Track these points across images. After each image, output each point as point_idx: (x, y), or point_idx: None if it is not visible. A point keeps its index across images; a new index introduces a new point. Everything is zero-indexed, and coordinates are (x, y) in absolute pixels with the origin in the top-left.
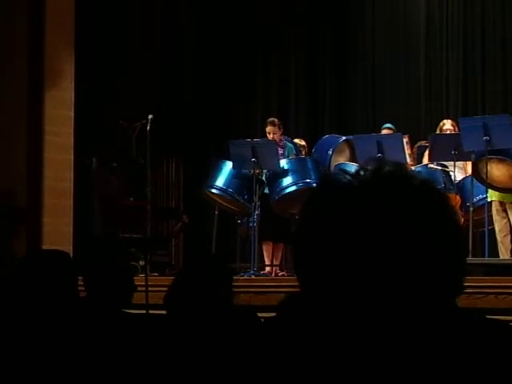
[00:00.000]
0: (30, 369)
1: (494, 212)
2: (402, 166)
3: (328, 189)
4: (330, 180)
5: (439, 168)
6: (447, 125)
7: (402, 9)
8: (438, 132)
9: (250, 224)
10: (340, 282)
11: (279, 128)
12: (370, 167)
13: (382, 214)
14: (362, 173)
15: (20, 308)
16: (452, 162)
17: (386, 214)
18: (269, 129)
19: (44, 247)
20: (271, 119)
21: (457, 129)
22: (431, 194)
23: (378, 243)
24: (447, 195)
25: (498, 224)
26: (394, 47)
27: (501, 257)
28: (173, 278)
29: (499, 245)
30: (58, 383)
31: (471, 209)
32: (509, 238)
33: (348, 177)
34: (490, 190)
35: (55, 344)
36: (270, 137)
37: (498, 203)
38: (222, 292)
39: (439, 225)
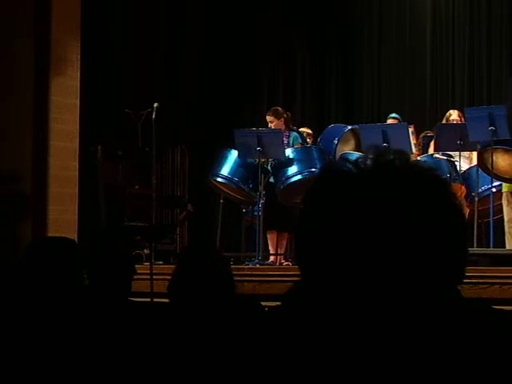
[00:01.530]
0: (36, 354)
1: (504, 202)
2: (402, 154)
3: (329, 178)
4: (331, 169)
5: (444, 158)
6: (454, 115)
7: (408, 0)
8: (444, 122)
9: (255, 213)
10: (341, 271)
11: (278, 117)
12: (371, 155)
13: (383, 202)
14: (362, 161)
15: (29, 293)
16: (458, 152)
17: (387, 202)
18: (267, 118)
19: (49, 235)
20: (273, 108)
21: (463, 119)
22: (432, 181)
23: (379, 231)
24: (449, 182)
25: (507, 214)
26: (400, 37)
27: (507, 247)
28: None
29: (506, 235)
30: (63, 370)
31: (476, 199)
32: None
33: (349, 165)
34: None
35: (62, 331)
36: (269, 126)
37: (509, 194)
38: (222, 280)
39: (440, 212)
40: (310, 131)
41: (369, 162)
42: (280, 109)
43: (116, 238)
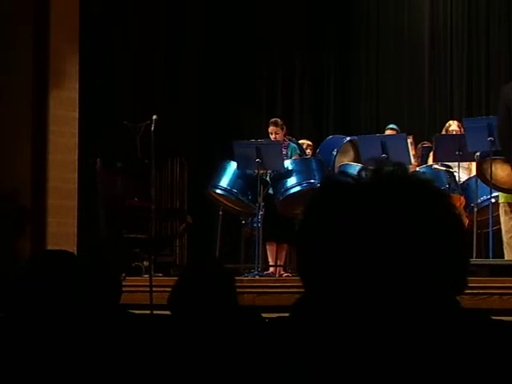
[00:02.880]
0: (38, 368)
1: (501, 213)
2: (401, 165)
3: (328, 191)
4: (331, 181)
5: (443, 169)
6: (453, 126)
7: (406, 9)
8: (443, 133)
9: (254, 224)
10: (341, 281)
11: (282, 128)
12: (369, 167)
13: (382, 215)
14: (362, 174)
15: (29, 307)
16: (457, 163)
17: (386, 215)
18: (271, 129)
19: (48, 248)
20: (273, 119)
21: (463, 130)
22: (430, 193)
23: (379, 243)
24: (447, 194)
25: (505, 225)
26: (398, 47)
27: (506, 257)
28: (176, 278)
29: (505, 245)
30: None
31: (475, 209)
32: None
33: (348, 178)
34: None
35: (63, 345)
36: (272, 137)
37: (506, 204)
38: (223, 293)
39: (439, 223)
40: (310, 142)
41: (367, 173)
42: (279, 120)
43: (102, 249)
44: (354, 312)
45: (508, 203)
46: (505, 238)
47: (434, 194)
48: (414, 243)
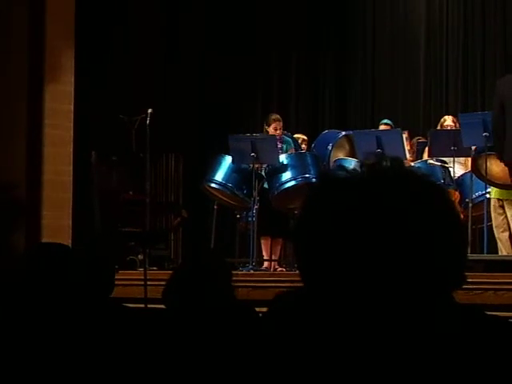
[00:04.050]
0: (33, 361)
1: (491, 208)
2: (399, 161)
3: (326, 185)
4: (329, 177)
5: (438, 164)
6: (448, 121)
7: (402, 5)
8: (438, 128)
9: (249, 219)
10: (340, 277)
11: (282, 123)
12: (367, 162)
13: (380, 209)
14: (360, 169)
15: (25, 301)
16: (452, 158)
17: (384, 209)
18: (275, 125)
19: (43, 241)
20: (276, 116)
21: (458, 125)
22: (429, 188)
23: (377, 238)
24: (446, 189)
25: (495, 220)
26: (393, 43)
27: (499, 253)
28: (171, 272)
29: (497, 241)
30: (60, 376)
31: (470, 205)
32: (506, 234)
33: (346, 173)
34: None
35: (58, 338)
36: (276, 132)
37: (495, 200)
38: (221, 286)
39: (437, 218)
40: (305, 137)
41: (365, 168)
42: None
43: (97, 243)
44: (352, 306)
45: (497, 199)
46: (496, 234)
47: (432, 189)
48: (412, 238)
